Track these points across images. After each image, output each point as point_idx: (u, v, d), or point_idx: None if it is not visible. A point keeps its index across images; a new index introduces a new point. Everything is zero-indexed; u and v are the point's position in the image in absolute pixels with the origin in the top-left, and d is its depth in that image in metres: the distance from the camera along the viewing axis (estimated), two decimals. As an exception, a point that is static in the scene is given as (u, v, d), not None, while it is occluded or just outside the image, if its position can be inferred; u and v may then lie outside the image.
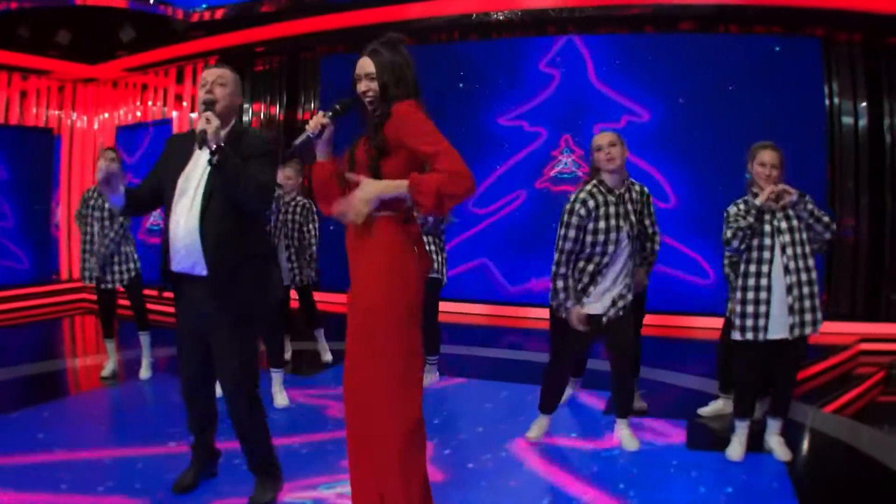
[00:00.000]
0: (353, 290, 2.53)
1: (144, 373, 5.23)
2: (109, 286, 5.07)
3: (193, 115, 8.72)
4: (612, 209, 3.75)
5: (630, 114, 8.34)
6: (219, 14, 8.41)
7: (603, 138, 3.84)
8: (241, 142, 2.91)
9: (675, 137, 8.12)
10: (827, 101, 7.71)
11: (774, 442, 3.94)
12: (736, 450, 3.89)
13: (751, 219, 3.70)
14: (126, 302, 5.31)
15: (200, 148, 2.76)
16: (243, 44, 8.46)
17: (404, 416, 2.42)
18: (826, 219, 3.74)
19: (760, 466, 3.78)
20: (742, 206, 3.80)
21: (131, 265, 5.11)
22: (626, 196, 3.85)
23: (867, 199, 7.57)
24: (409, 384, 2.44)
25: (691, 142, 8.07)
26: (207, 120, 2.74)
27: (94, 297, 5.35)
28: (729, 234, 3.75)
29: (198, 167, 2.88)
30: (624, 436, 4.02)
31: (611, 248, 3.74)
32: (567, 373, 4.23)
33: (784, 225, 3.69)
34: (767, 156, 3.72)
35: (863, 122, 7.58)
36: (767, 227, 3.71)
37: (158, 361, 5.54)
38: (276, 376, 4.71)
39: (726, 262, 4.35)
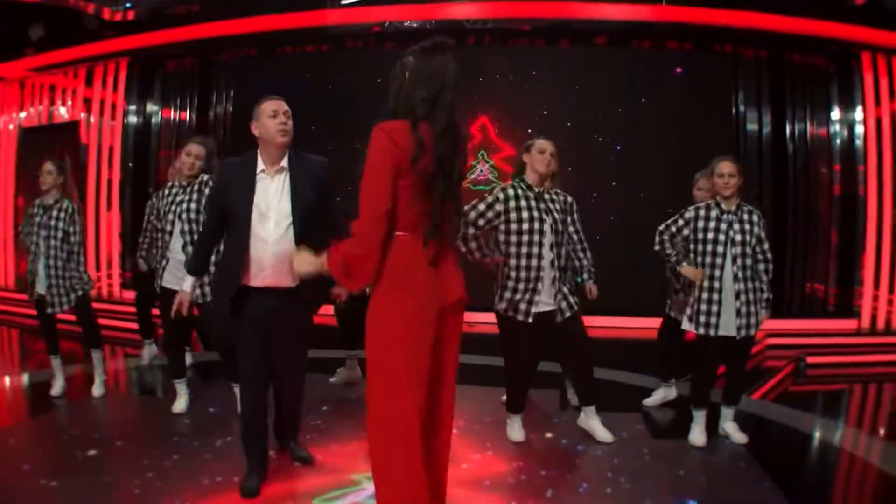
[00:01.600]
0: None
1: (98, 390, 5.03)
2: (55, 310, 4.84)
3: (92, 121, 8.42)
4: (532, 203, 4.12)
5: (548, 123, 8.81)
6: (131, 14, 8.19)
7: (548, 145, 4.22)
8: (311, 168, 3.35)
9: (591, 148, 8.66)
10: (734, 111, 8.53)
11: (730, 427, 4.42)
12: (699, 436, 4.35)
13: (670, 252, 4.35)
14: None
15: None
16: (156, 45, 8.27)
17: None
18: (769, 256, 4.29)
19: (723, 450, 4.26)
20: (698, 214, 4.27)
21: (77, 286, 4.87)
22: (547, 197, 4.21)
23: (770, 202, 8.43)
24: None
25: (608, 152, 8.63)
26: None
27: (35, 313, 5.08)
28: (658, 236, 4.40)
29: (268, 191, 3.24)
30: (596, 427, 4.38)
31: (536, 238, 4.09)
32: (527, 372, 4.44)
33: (738, 238, 4.18)
34: (726, 167, 4.21)
35: (767, 130, 8.47)
36: (722, 237, 4.18)
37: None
38: (237, 389, 4.72)
39: (657, 244, 4.58)
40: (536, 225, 4.11)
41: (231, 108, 8.98)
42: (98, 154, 8.53)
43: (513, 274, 4.14)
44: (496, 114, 8.94)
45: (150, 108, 8.85)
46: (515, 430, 4.38)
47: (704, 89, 8.58)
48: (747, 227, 4.22)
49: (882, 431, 5.07)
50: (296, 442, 3.89)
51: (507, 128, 8.91)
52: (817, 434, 4.79)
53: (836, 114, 8.42)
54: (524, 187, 4.20)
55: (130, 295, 7.75)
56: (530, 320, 4.11)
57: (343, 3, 8.38)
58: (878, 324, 8.09)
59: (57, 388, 5.01)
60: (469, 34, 8.85)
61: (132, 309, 6.46)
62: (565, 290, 4.22)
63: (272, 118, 3.24)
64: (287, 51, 9.08)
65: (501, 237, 4.17)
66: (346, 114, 8.55)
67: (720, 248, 4.19)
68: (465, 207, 3.98)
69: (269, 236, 3.20)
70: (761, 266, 4.27)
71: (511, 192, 4.18)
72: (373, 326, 2.54)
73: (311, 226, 3.23)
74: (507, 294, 4.14)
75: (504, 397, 4.67)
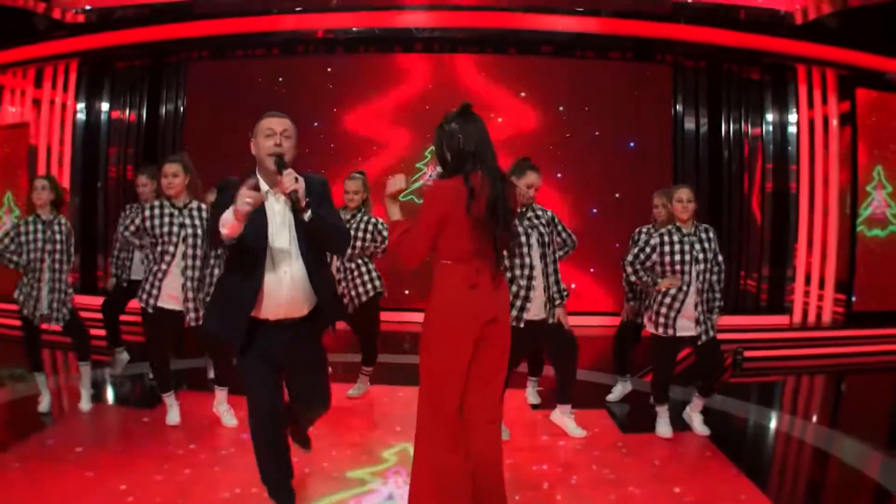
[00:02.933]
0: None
1: (85, 405, 5.08)
2: (54, 322, 4.92)
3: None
4: (517, 219, 4.54)
5: (497, 129, 9.30)
6: (81, 16, 8.17)
7: (536, 180, 4.68)
8: (308, 185, 3.02)
9: (540, 153, 9.16)
10: (672, 113, 9.31)
11: (696, 419, 4.98)
12: (665, 429, 4.90)
13: (648, 280, 4.85)
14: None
15: (294, 209, 2.95)
16: (107, 46, 8.28)
17: None
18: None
19: (689, 441, 4.83)
20: (662, 240, 4.79)
21: (69, 298, 4.97)
22: (531, 214, 4.68)
23: (705, 201, 9.14)
24: None
25: (555, 158, 9.18)
26: (296, 179, 2.90)
27: (17, 326, 5.12)
28: (631, 267, 4.85)
29: (280, 217, 3.06)
30: (569, 424, 4.88)
31: (525, 250, 4.55)
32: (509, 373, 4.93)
33: (700, 256, 4.76)
34: (684, 194, 4.78)
35: (704, 130, 9.26)
36: (687, 257, 4.74)
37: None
38: (221, 394, 4.98)
39: (631, 275, 5.10)
40: (524, 239, 4.53)
41: (182, 108, 9.05)
42: (48, 155, 8.48)
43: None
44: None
45: (100, 107, 8.83)
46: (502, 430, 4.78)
47: (645, 96, 9.30)
48: (706, 245, 4.80)
49: (815, 418, 5.89)
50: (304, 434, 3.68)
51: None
52: (771, 424, 5.52)
53: (770, 115, 9.18)
54: None
55: (83, 300, 7.78)
56: (521, 325, 4.54)
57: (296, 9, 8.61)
58: (808, 319, 8.87)
59: (44, 404, 5.05)
60: (417, 42, 9.20)
61: (95, 315, 6.50)
62: (554, 301, 4.65)
63: (267, 138, 3.05)
64: (238, 54, 9.22)
65: None
66: (297, 118, 8.75)
67: (686, 268, 4.74)
68: None
69: (285, 269, 3.05)
70: (714, 278, 4.82)
71: None
72: (425, 344, 3.09)
73: (317, 248, 3.14)
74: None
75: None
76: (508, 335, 3.18)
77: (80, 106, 8.69)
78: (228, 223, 2.88)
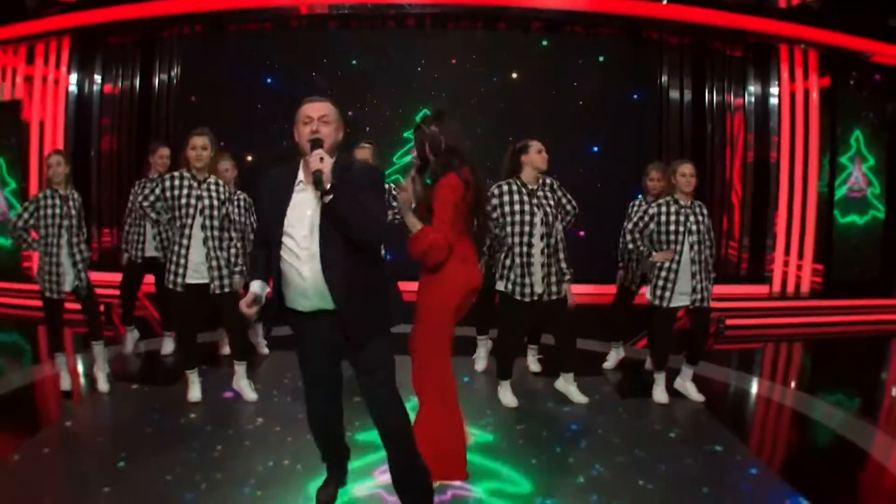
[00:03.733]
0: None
1: (104, 385, 5.25)
2: (63, 296, 5.10)
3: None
4: (525, 198, 4.92)
5: (488, 104, 9.59)
6: (73, -7, 8.24)
7: (542, 151, 5.02)
8: (350, 173, 3.01)
9: (529, 127, 9.48)
10: (658, 85, 9.70)
11: (690, 387, 5.39)
12: (662, 395, 5.31)
13: (645, 249, 5.28)
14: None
15: (317, 188, 2.86)
16: (100, 23, 8.34)
17: None
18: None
19: (684, 406, 5.25)
20: (660, 210, 5.19)
21: (84, 273, 5.16)
22: (540, 193, 5.02)
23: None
24: None
25: (546, 129, 9.46)
26: (321, 159, 2.86)
27: (41, 308, 5.21)
28: (630, 235, 5.29)
29: (305, 206, 2.98)
30: (573, 391, 5.26)
31: (527, 229, 4.90)
32: (519, 343, 5.36)
33: (693, 228, 5.14)
34: (688, 168, 5.15)
35: (688, 106, 9.65)
36: (682, 228, 5.12)
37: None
38: (241, 369, 5.25)
39: (630, 243, 5.47)
40: (528, 217, 4.88)
41: (176, 80, 9.17)
42: (41, 131, 8.57)
43: (507, 261, 4.90)
44: (437, 94, 9.61)
45: (93, 82, 8.89)
46: (508, 396, 5.20)
47: (632, 71, 9.72)
48: (700, 218, 5.18)
49: (794, 384, 6.39)
50: None
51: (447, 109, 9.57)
52: (752, 389, 6.00)
53: (752, 87, 9.58)
54: (519, 184, 4.92)
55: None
56: (526, 299, 4.88)
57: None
58: (787, 288, 9.34)
59: (65, 384, 5.24)
60: (410, 17, 9.40)
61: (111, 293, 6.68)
62: (555, 275, 5.00)
63: (305, 125, 3.00)
64: (231, 29, 9.34)
65: (498, 230, 4.90)
66: (290, 91, 9.03)
67: (680, 238, 5.13)
68: None
69: (302, 257, 2.96)
70: (707, 252, 5.19)
71: (506, 188, 4.91)
72: (427, 299, 3.80)
73: (346, 242, 2.94)
74: (507, 275, 4.91)
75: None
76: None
77: (73, 78, 8.71)
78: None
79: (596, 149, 9.83)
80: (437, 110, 3.87)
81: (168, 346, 6.33)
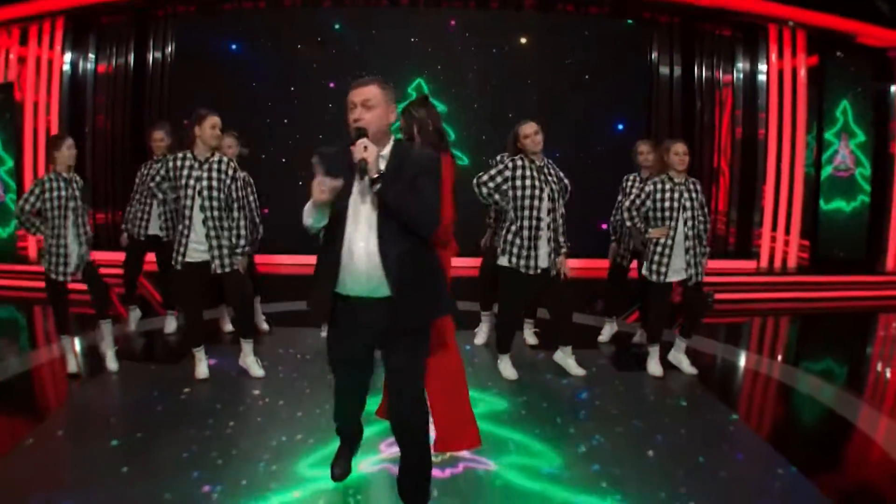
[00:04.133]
0: None
1: (112, 364, 5.37)
2: (69, 279, 5.18)
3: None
4: (534, 174, 5.13)
5: (479, 83, 9.75)
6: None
7: (530, 127, 5.17)
8: (407, 159, 2.99)
9: (521, 101, 9.68)
10: (648, 61, 9.96)
11: (683, 360, 5.61)
12: (656, 368, 5.53)
13: (642, 226, 5.48)
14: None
15: (361, 178, 2.87)
16: (92, 3, 8.37)
17: None
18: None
19: (677, 378, 5.49)
20: (656, 188, 5.38)
21: (87, 255, 5.26)
22: (546, 170, 5.21)
23: None
24: None
25: (541, 108, 9.65)
26: (365, 148, 2.86)
27: (45, 289, 5.26)
28: (628, 213, 5.48)
29: (364, 190, 2.95)
30: (571, 364, 5.48)
31: (536, 203, 5.10)
32: (519, 317, 5.57)
33: (688, 204, 5.33)
34: (681, 147, 5.36)
35: (678, 75, 9.88)
36: (676, 204, 5.31)
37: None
38: (248, 346, 5.38)
39: (628, 220, 5.68)
40: (537, 192, 5.07)
41: (170, 59, 9.21)
42: (35, 112, 8.59)
43: (511, 236, 5.08)
44: (431, 74, 9.73)
45: (87, 61, 8.90)
46: (508, 369, 5.40)
47: (623, 48, 9.95)
48: (694, 195, 5.37)
49: (782, 357, 6.67)
50: None
51: (440, 87, 9.72)
52: (742, 362, 6.25)
53: (740, 65, 9.78)
54: (527, 161, 5.10)
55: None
56: (531, 273, 5.08)
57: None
58: (774, 263, 9.59)
59: (73, 366, 5.31)
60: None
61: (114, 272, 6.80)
62: (555, 252, 5.19)
63: (350, 112, 2.99)
64: (225, 7, 9.38)
65: (507, 203, 5.07)
66: (286, 70, 9.13)
67: (675, 214, 5.32)
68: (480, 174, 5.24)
69: (358, 238, 2.95)
70: (701, 227, 5.38)
71: (519, 163, 5.14)
72: None
73: (398, 228, 2.94)
74: (511, 250, 5.09)
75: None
76: None
77: (67, 58, 8.71)
78: (308, 214, 2.94)
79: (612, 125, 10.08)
80: (422, 96, 4.13)
81: (171, 324, 6.46)
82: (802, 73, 9.41)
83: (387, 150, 3.01)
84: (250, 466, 3.84)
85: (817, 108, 9.36)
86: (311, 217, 2.95)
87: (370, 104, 2.94)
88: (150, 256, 6.43)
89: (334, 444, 3.72)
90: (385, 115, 2.99)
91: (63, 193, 5.09)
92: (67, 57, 8.69)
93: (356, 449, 3.71)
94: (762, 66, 9.72)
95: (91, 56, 8.87)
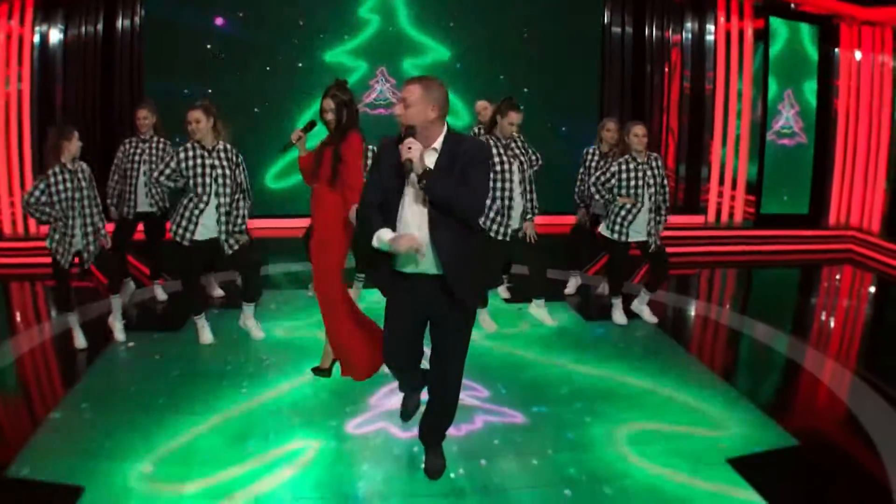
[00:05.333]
0: None
1: (120, 335, 5.69)
2: (87, 264, 5.46)
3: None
4: (501, 150, 5.67)
5: (435, 52, 10.39)
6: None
7: (517, 118, 5.69)
8: (459, 149, 3.29)
9: (479, 74, 10.38)
10: (601, 22, 10.66)
11: (645, 310, 6.29)
12: (621, 317, 6.25)
13: (609, 198, 6.08)
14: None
15: (407, 176, 3.23)
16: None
17: None
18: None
19: (640, 326, 6.20)
20: (621, 168, 5.98)
21: (95, 242, 5.50)
22: (514, 145, 5.78)
23: (629, 105, 10.50)
24: None
25: (493, 77, 10.30)
26: (409, 148, 3.20)
27: (51, 270, 5.48)
28: (595, 189, 6.09)
29: (412, 180, 3.29)
30: (543, 315, 6.12)
31: (507, 176, 5.68)
32: (498, 275, 6.35)
33: (651, 181, 6.00)
34: (640, 130, 5.98)
35: (629, 39, 10.59)
36: (640, 182, 5.97)
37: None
38: (249, 309, 5.81)
39: (595, 195, 6.28)
40: (507, 167, 5.61)
41: (139, 27, 9.36)
42: (6, 85, 8.66)
43: (490, 204, 5.64)
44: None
45: (55, 34, 8.95)
46: (487, 321, 6.04)
47: (577, 10, 10.69)
48: (657, 171, 6.04)
49: (729, 305, 7.52)
50: (435, 448, 3.84)
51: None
52: (696, 311, 7.06)
53: (689, 24, 10.45)
54: (496, 138, 5.62)
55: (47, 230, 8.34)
56: (507, 238, 5.68)
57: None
58: (721, 218, 10.35)
59: (80, 341, 5.55)
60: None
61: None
62: (527, 217, 5.79)
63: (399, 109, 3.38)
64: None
65: None
66: (257, 38, 9.48)
67: (640, 191, 5.98)
68: None
69: (412, 220, 3.31)
70: (661, 199, 6.05)
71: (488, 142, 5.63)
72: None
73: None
74: (485, 221, 5.64)
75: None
76: None
77: (37, 31, 8.65)
78: (378, 243, 3.30)
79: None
80: (341, 80, 4.62)
81: (160, 293, 6.83)
82: (749, 34, 10.05)
83: (438, 143, 3.34)
84: (274, 419, 4.37)
85: (762, 69, 10.03)
86: (381, 246, 3.32)
87: (408, 102, 3.28)
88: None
89: (344, 395, 4.39)
90: (424, 112, 3.27)
91: (69, 186, 5.26)
92: (37, 29, 8.69)
93: (421, 392, 4.02)
94: (710, 27, 10.33)
95: (60, 27, 8.89)
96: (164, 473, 3.72)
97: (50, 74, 8.87)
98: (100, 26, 9.04)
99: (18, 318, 6.69)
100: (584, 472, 3.76)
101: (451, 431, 3.95)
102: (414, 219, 3.31)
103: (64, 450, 3.96)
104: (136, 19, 9.21)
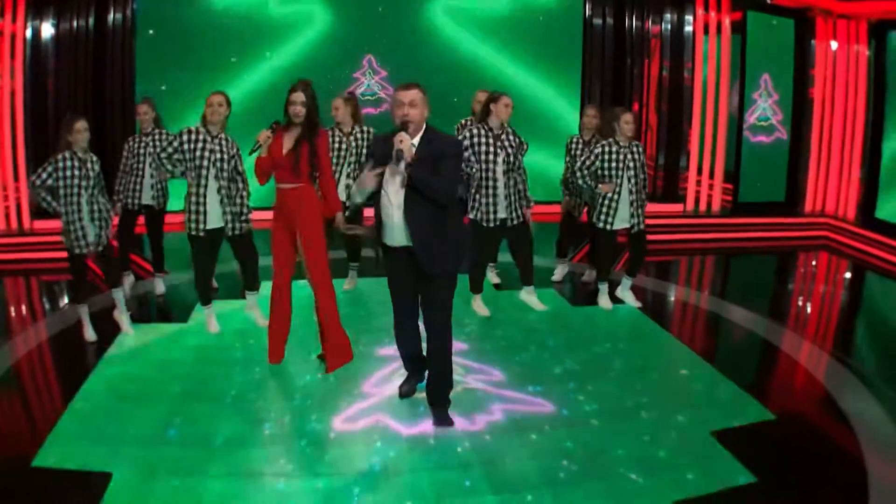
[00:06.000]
0: None
1: (128, 328, 5.92)
2: (88, 252, 5.66)
3: None
4: (490, 140, 6.05)
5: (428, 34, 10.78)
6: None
7: (508, 105, 6.07)
8: (434, 144, 4.08)
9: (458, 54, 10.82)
10: (583, 14, 11.02)
11: (628, 295, 6.68)
12: (606, 302, 6.65)
13: (592, 184, 6.46)
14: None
15: (397, 164, 4.04)
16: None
17: None
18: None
19: (624, 311, 6.60)
20: (604, 150, 6.35)
21: (105, 231, 5.73)
22: (503, 136, 6.13)
23: (610, 94, 10.89)
24: None
25: (471, 57, 10.78)
26: (401, 140, 4.00)
27: (67, 262, 5.71)
28: (579, 173, 6.44)
29: (396, 169, 4.09)
30: (534, 300, 6.54)
31: (492, 167, 6.06)
32: (487, 263, 6.65)
33: (631, 164, 6.38)
34: (629, 117, 6.37)
35: (610, 29, 10.95)
36: (621, 165, 6.34)
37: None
38: (252, 298, 6.18)
39: (579, 179, 6.67)
40: (492, 157, 6.00)
41: (131, 17, 9.51)
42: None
43: (477, 195, 6.05)
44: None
45: (47, 26, 9.02)
46: (481, 307, 6.43)
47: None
48: (637, 156, 6.42)
49: (708, 290, 8.01)
50: (439, 408, 4.44)
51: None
52: (677, 296, 7.48)
53: (668, 16, 10.80)
54: (486, 129, 5.97)
55: (41, 225, 8.69)
56: (493, 225, 6.06)
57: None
58: (700, 206, 10.75)
59: (91, 334, 5.78)
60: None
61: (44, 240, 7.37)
62: (515, 204, 6.13)
63: (398, 108, 4.11)
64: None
65: (469, 168, 5.95)
66: (249, 27, 9.76)
67: (620, 173, 6.34)
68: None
69: (392, 202, 4.12)
70: (641, 183, 6.42)
71: (475, 131, 5.96)
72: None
73: (424, 197, 4.05)
74: (475, 206, 6.06)
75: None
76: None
77: (29, 26, 8.74)
78: (357, 193, 4.28)
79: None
80: (306, 81, 4.96)
81: (160, 286, 7.08)
82: (727, 24, 10.42)
83: (418, 137, 4.12)
84: (288, 404, 4.71)
85: (740, 60, 10.43)
86: (360, 195, 4.29)
87: (414, 103, 4.09)
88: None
89: (354, 382, 4.81)
90: (423, 112, 4.13)
91: (77, 173, 5.49)
92: (29, 24, 8.77)
93: (420, 372, 4.73)
94: (689, 17, 10.68)
95: (52, 21, 8.99)
96: (187, 456, 4.02)
97: (42, 69, 9.01)
98: (91, 20, 9.17)
99: (24, 313, 6.89)
100: (579, 445, 4.15)
101: (456, 412, 4.40)
102: (394, 199, 4.14)
103: (88, 438, 4.23)
104: (128, 12, 9.37)
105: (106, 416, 4.52)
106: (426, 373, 4.56)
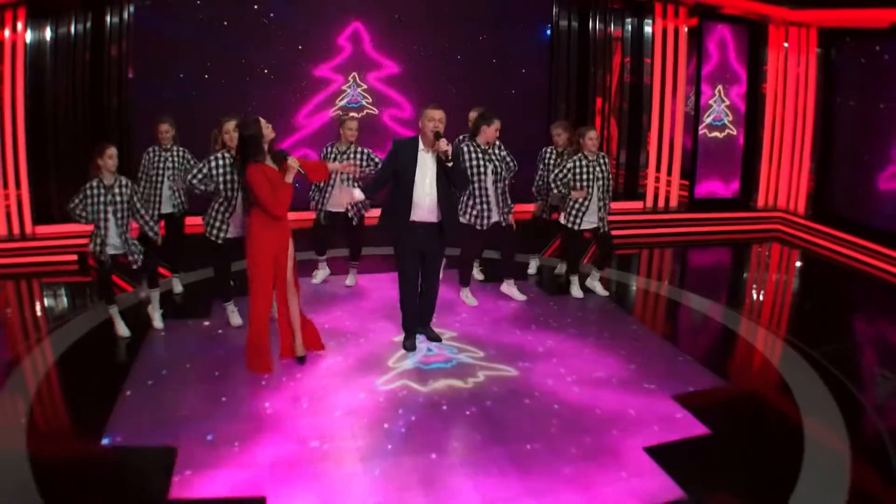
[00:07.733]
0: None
1: (159, 323, 6.78)
2: (110, 259, 6.43)
3: None
4: (479, 155, 7.16)
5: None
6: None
7: (497, 129, 7.16)
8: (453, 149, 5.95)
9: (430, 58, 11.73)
10: (550, 18, 12.02)
11: (597, 285, 7.84)
12: (578, 292, 7.81)
13: (566, 191, 7.58)
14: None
15: (447, 160, 5.77)
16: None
17: None
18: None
19: (594, 300, 7.78)
20: (575, 164, 7.48)
21: (133, 245, 6.53)
22: (491, 151, 7.24)
23: (574, 102, 12.02)
24: None
25: (442, 84, 11.61)
26: (445, 143, 5.73)
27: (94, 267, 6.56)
28: (554, 184, 7.57)
29: (426, 162, 5.89)
30: (515, 293, 7.66)
31: (482, 178, 7.18)
32: (475, 258, 7.70)
33: (599, 175, 7.56)
34: (593, 133, 7.54)
35: (575, 26, 11.99)
36: (591, 176, 7.53)
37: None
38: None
39: (554, 189, 7.79)
40: (482, 169, 7.10)
41: (129, 20, 10.07)
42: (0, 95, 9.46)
43: (470, 202, 7.12)
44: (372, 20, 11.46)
45: (47, 34, 9.55)
46: (470, 297, 7.53)
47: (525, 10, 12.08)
48: (604, 168, 7.61)
49: (667, 280, 9.17)
50: (429, 327, 6.51)
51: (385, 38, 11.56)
52: (639, 286, 8.66)
53: (628, 19, 11.93)
54: (475, 146, 7.06)
55: (42, 230, 9.47)
56: (485, 228, 7.15)
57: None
58: (658, 203, 11.89)
59: (124, 330, 6.59)
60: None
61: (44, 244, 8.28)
62: (504, 210, 7.22)
63: (430, 121, 5.79)
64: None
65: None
66: (247, 28, 10.65)
67: (590, 184, 7.51)
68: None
69: (425, 189, 5.87)
70: (607, 191, 7.59)
71: (465, 148, 7.09)
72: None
73: (445, 184, 5.92)
74: (468, 210, 7.11)
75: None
76: None
77: (28, 36, 9.31)
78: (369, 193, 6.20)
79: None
80: (255, 118, 5.82)
81: (177, 286, 7.93)
82: (684, 31, 11.51)
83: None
84: (314, 382, 5.71)
85: (697, 63, 11.57)
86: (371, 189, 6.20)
87: (442, 119, 5.87)
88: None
89: (369, 363, 5.90)
90: (444, 125, 5.90)
91: (102, 199, 6.32)
92: (28, 34, 9.29)
93: (417, 326, 6.41)
94: (648, 20, 11.72)
95: (50, 28, 9.54)
96: (240, 428, 4.96)
97: (40, 75, 9.60)
98: (88, 24, 9.77)
99: (57, 313, 7.58)
100: (564, 406, 5.30)
101: (461, 384, 5.58)
102: (426, 189, 5.90)
103: (146, 419, 5.07)
104: (125, 15, 9.94)
105: (158, 399, 5.38)
106: (420, 315, 6.37)
